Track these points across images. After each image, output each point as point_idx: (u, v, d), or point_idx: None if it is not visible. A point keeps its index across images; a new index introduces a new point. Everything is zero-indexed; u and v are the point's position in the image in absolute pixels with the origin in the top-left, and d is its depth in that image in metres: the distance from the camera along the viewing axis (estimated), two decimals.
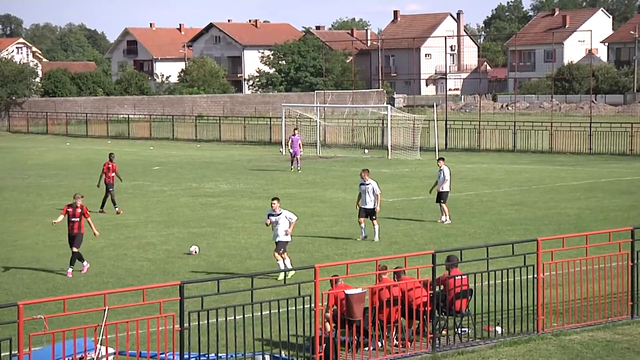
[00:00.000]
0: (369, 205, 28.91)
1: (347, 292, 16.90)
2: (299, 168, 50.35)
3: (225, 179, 47.14)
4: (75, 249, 25.05)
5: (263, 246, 28.21)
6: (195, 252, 27.21)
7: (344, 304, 16.87)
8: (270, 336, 16.76)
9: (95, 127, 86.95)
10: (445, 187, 32.77)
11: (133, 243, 29.49)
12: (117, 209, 35.80)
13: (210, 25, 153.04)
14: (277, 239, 23.85)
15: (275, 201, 23.98)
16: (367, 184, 28.94)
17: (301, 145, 52.29)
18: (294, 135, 51.40)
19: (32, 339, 14.35)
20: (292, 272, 22.85)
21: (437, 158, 36.28)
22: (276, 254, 23.81)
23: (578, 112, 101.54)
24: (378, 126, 68.19)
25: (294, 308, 16.45)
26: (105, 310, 14.96)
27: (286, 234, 23.84)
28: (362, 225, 29.10)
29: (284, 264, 23.50)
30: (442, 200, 32.60)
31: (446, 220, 32.29)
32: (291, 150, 50.89)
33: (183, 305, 15.44)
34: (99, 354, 15.09)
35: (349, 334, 16.79)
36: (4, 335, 14.06)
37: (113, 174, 36.84)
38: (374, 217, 28.95)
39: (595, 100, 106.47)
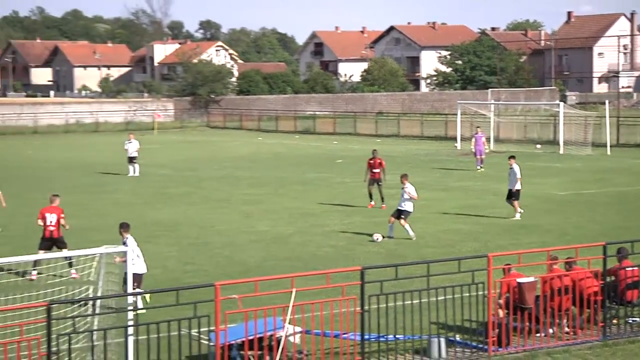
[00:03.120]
0: (401, 206, 28.05)
1: (519, 280, 16.69)
2: (482, 167, 47.50)
3: (404, 172, 46.97)
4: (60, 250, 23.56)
5: (439, 235, 28.06)
6: (378, 240, 27.27)
7: (516, 291, 16.67)
8: (445, 320, 16.64)
9: (284, 122, 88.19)
10: (517, 186, 31.44)
11: (318, 230, 29.78)
12: (383, 204, 34.05)
13: (391, 28, 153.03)
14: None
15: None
16: (404, 187, 28.08)
17: (485, 143, 49.44)
18: (477, 133, 48.84)
19: (228, 316, 14.70)
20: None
21: (508, 156, 33.56)
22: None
23: None
24: (550, 122, 66.75)
25: (467, 294, 16.32)
26: (292, 292, 15.16)
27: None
28: (391, 224, 28.03)
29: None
30: (513, 198, 31.40)
31: (516, 216, 31.11)
32: (474, 149, 48.03)
33: (364, 289, 15.52)
34: (287, 331, 15.31)
35: (520, 320, 16.55)
36: (202, 312, 14.44)
37: (378, 170, 34.97)
38: (402, 217, 27.92)
39: None
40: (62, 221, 23.83)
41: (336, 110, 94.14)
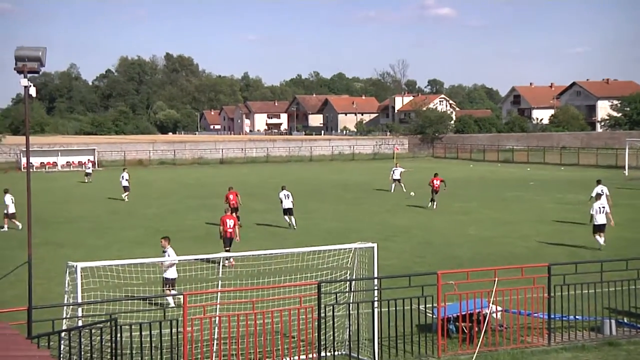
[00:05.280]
0: (596, 221, 25.39)
1: None
2: None
3: (579, 192, 44.82)
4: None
5: (612, 243, 26.49)
6: (413, 195, 25.06)
7: None
8: (615, 306, 15.70)
9: (489, 154, 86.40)
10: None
11: (514, 235, 28.92)
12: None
13: (573, 84, 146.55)
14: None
15: None
16: (601, 206, 25.52)
17: None
18: None
19: (446, 297, 14.55)
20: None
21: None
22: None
23: None
24: None
25: (634, 287, 15.34)
26: (495, 280, 14.83)
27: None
28: (598, 238, 25.33)
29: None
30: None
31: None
32: None
33: (550, 280, 14.94)
34: (491, 310, 14.97)
35: None
36: (428, 293, 14.37)
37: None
38: (599, 231, 25.29)
39: None
40: (236, 228, 23.54)
41: (529, 145, 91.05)
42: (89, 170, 60.55)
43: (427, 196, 39.53)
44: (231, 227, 23.54)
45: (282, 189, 31.88)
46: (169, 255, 18.22)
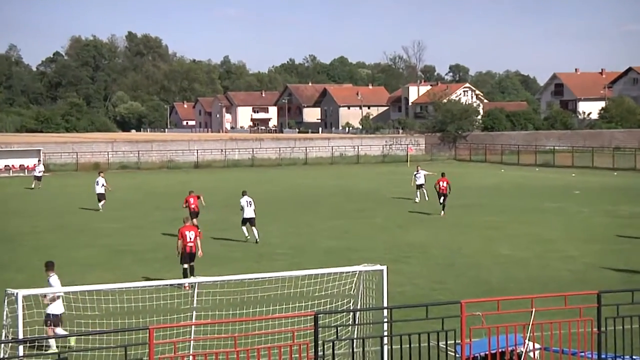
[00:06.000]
0: None
1: None
2: None
3: (636, 203, 44.92)
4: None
5: None
6: (417, 200, 25.83)
7: None
8: None
9: (525, 156, 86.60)
10: None
11: (555, 255, 28.97)
12: None
13: (629, 69, 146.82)
14: None
15: None
16: None
17: None
18: None
19: (472, 331, 14.54)
20: None
21: None
22: None
23: None
24: None
25: None
26: (532, 311, 14.81)
27: None
28: None
29: None
30: None
31: None
32: None
33: (600, 312, 14.92)
34: (527, 348, 14.96)
35: None
36: (449, 327, 14.36)
37: None
38: None
39: None
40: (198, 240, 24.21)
41: (574, 145, 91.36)
42: (39, 174, 60.62)
43: (437, 201, 40.62)
44: (192, 240, 24.03)
45: (243, 195, 33.32)
46: (52, 286, 18.11)
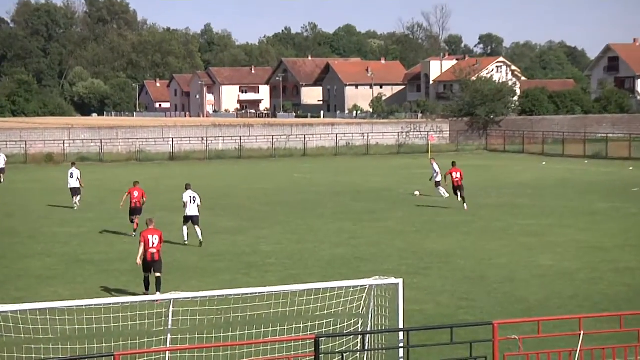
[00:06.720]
0: None
1: None
2: None
3: None
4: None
5: None
6: (417, 195, 26.25)
7: None
8: None
9: (571, 146, 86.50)
10: None
11: (609, 267, 28.97)
12: None
13: None
14: None
15: None
16: None
17: None
18: None
19: (507, 358, 14.57)
20: None
21: None
22: None
23: None
24: None
25: None
26: (580, 335, 14.86)
27: None
28: None
29: None
30: None
31: None
32: None
33: None
34: None
35: None
36: (479, 353, 14.41)
37: None
38: None
39: None
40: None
41: (632, 133, 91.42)
42: (2, 165, 61.34)
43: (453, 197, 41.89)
44: (155, 245, 24.33)
45: (187, 189, 33.84)
46: None
